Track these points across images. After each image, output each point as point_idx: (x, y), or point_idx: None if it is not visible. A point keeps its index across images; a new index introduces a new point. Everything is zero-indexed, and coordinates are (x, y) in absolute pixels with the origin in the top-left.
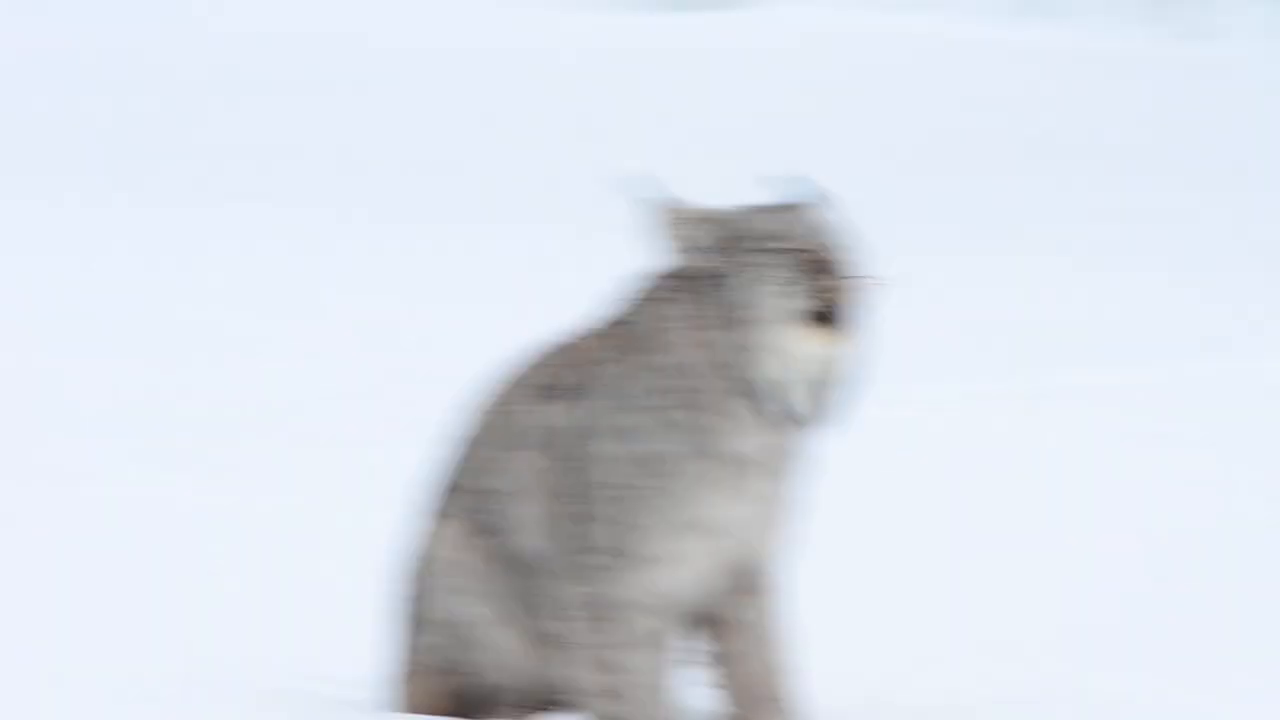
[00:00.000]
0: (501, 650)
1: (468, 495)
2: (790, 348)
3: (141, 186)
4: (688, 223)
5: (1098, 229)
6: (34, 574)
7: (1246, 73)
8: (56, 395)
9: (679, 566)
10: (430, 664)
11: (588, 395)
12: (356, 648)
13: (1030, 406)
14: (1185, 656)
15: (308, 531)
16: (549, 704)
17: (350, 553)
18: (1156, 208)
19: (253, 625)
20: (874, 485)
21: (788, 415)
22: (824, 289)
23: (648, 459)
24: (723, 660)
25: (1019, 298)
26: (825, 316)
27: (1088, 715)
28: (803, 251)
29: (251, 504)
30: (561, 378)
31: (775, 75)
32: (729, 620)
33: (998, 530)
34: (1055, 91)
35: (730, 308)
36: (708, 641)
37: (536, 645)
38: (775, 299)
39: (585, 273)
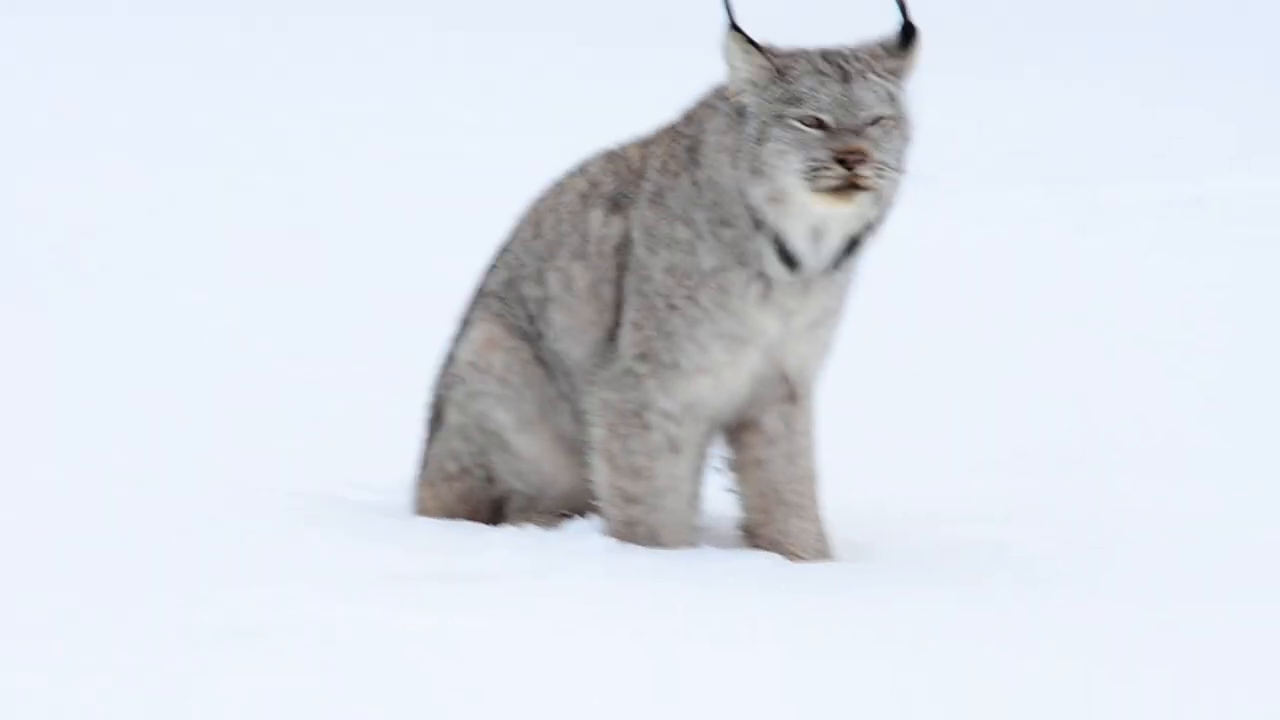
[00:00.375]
0: (518, 455)
1: (501, 301)
2: (797, 203)
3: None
4: (738, 52)
5: (1159, 48)
6: (78, 370)
7: None
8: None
9: (708, 376)
10: (447, 469)
11: (629, 205)
12: (394, 454)
13: (1072, 220)
14: (1195, 466)
15: (352, 340)
16: (560, 510)
17: (396, 361)
18: (1201, 30)
19: (294, 430)
20: (907, 296)
21: (790, 259)
22: (838, 159)
23: (683, 269)
24: (746, 467)
25: (1061, 115)
26: (839, 185)
27: (1095, 521)
28: (821, 125)
29: (297, 312)
30: (604, 186)
31: None
32: (755, 428)
33: (1024, 342)
34: None
35: (753, 150)
36: (733, 449)
37: (557, 451)
38: (788, 157)
39: (651, 80)
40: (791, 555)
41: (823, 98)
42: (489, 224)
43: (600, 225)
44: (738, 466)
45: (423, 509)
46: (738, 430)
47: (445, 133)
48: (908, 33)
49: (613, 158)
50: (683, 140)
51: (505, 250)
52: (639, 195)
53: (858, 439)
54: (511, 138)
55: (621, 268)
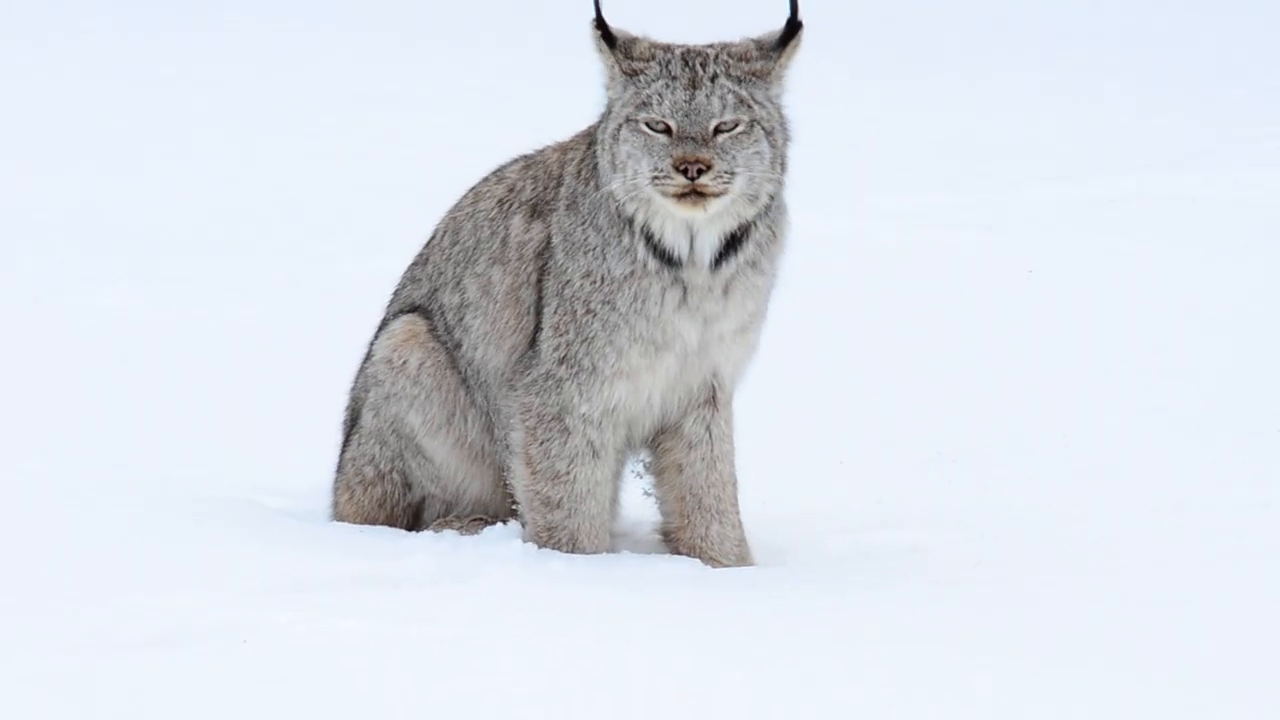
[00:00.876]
0: (430, 459)
1: (421, 304)
2: (654, 203)
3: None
4: (597, 50)
5: (1070, 49)
6: None
7: None
8: (21, 211)
9: (627, 380)
10: (364, 473)
11: (549, 210)
12: (310, 459)
13: (994, 220)
14: (1115, 468)
15: (271, 344)
16: (479, 515)
17: (311, 366)
18: (1129, 28)
19: (208, 436)
20: (823, 299)
21: (666, 256)
22: (678, 167)
23: (598, 274)
24: (666, 472)
25: (985, 115)
26: (683, 192)
27: (1013, 525)
28: (666, 129)
29: (216, 316)
30: (523, 192)
31: None
32: (675, 433)
33: (943, 345)
34: None
35: (612, 147)
36: (652, 453)
37: (464, 457)
38: (638, 161)
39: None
40: (711, 560)
41: (668, 104)
42: (412, 229)
43: (521, 230)
44: (657, 471)
45: (340, 514)
46: (657, 435)
47: (359, 135)
48: (790, 29)
49: (531, 164)
50: (594, 145)
51: (425, 262)
52: (558, 200)
53: (777, 444)
54: (441, 142)
55: (543, 272)
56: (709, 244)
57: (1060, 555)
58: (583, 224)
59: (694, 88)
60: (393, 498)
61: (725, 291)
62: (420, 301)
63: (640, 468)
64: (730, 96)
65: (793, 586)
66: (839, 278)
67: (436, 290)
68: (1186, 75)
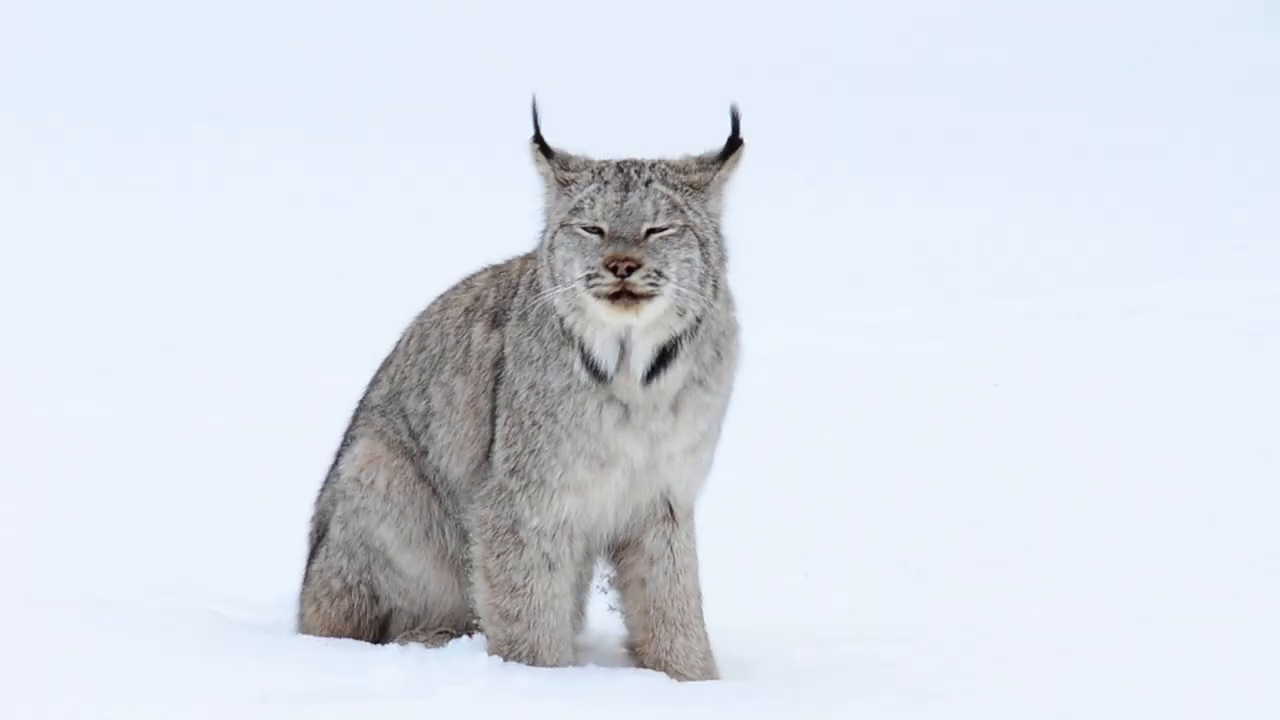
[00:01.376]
0: (402, 573)
1: (384, 416)
2: (587, 311)
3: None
4: (534, 162)
5: (1041, 157)
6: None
7: (1196, 4)
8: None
9: (575, 494)
10: (331, 586)
11: (505, 319)
12: (275, 571)
13: (961, 332)
14: (1086, 582)
15: (236, 452)
16: (445, 629)
17: (277, 475)
18: (1102, 137)
19: (172, 546)
20: (794, 408)
21: (596, 370)
22: (608, 265)
23: (541, 386)
24: (630, 586)
25: (951, 227)
26: (616, 294)
27: (982, 639)
28: (598, 231)
29: (181, 424)
30: (487, 300)
31: None
32: (636, 548)
33: (911, 456)
34: (1001, 18)
35: (549, 258)
36: (615, 567)
37: (442, 569)
38: (572, 264)
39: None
40: (676, 674)
41: (600, 206)
42: (376, 338)
43: (481, 340)
44: (621, 585)
45: (306, 626)
46: (619, 549)
47: (327, 245)
48: (731, 145)
49: (498, 273)
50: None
51: (389, 364)
52: (512, 310)
53: (743, 556)
54: (407, 252)
55: (498, 382)
56: (642, 357)
57: (1027, 669)
58: (529, 335)
59: (626, 190)
60: (360, 610)
61: (674, 410)
62: (383, 407)
63: (605, 582)
64: (664, 201)
65: (759, 701)
66: (805, 390)
67: (399, 394)
68: (1154, 186)
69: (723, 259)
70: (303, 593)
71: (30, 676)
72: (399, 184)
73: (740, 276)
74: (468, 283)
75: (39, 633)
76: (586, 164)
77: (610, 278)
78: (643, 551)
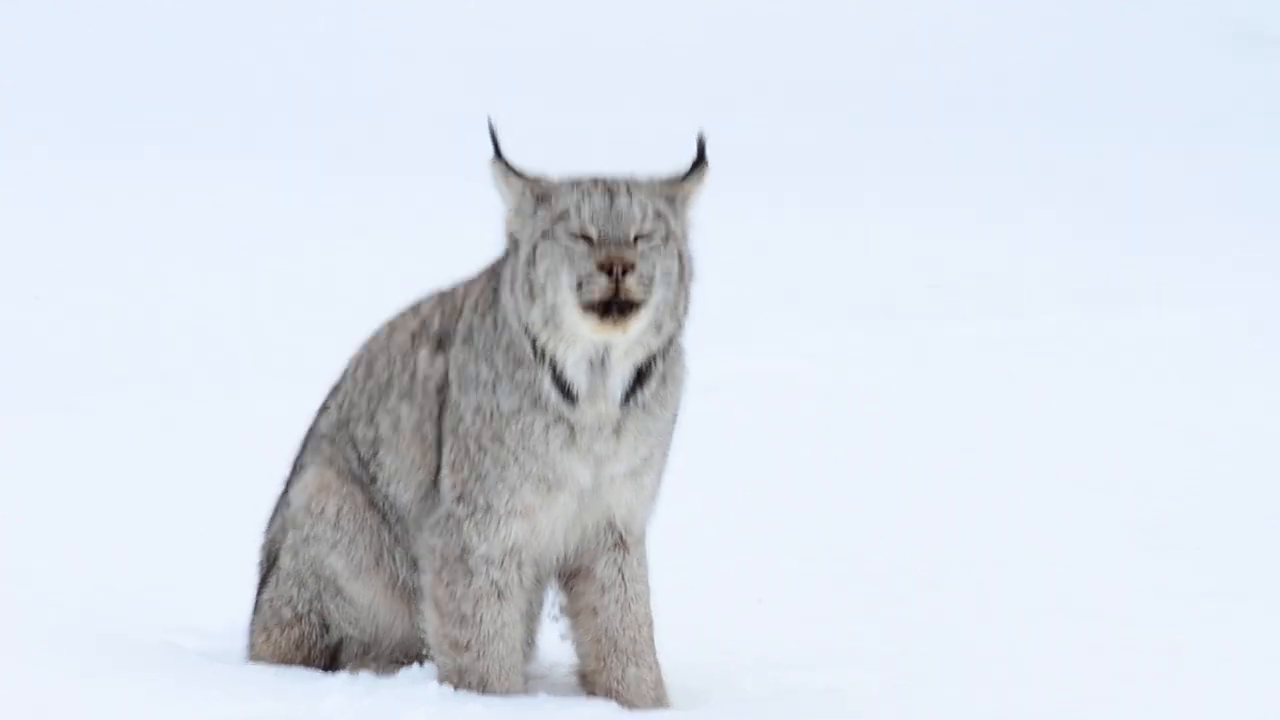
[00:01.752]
0: (353, 602)
1: (333, 444)
2: (568, 325)
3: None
4: (502, 180)
5: (996, 180)
6: None
7: (1153, 23)
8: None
9: (523, 520)
10: (281, 615)
11: (450, 343)
12: (226, 599)
13: (916, 357)
14: (1031, 606)
15: (185, 480)
16: (396, 657)
17: (227, 502)
18: (1056, 160)
19: (121, 574)
20: (743, 435)
21: (567, 390)
22: (603, 268)
23: (487, 410)
24: (581, 614)
25: (903, 252)
26: (604, 306)
27: (929, 665)
28: (586, 238)
29: (130, 451)
30: (432, 325)
31: (680, 9)
32: (587, 576)
33: (860, 482)
34: (955, 45)
35: (526, 273)
36: (566, 595)
37: (393, 598)
38: (558, 273)
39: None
40: (628, 704)
41: (586, 212)
42: (321, 363)
43: (426, 364)
44: (572, 613)
45: (257, 655)
46: (570, 577)
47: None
48: (697, 164)
49: (444, 297)
50: (494, 278)
51: (338, 391)
52: (457, 334)
53: (694, 583)
54: (356, 275)
55: (443, 407)
56: (620, 378)
57: (976, 695)
58: (475, 358)
59: (612, 195)
60: (310, 639)
61: (616, 433)
62: (326, 431)
63: (556, 610)
64: (649, 207)
65: None
66: (754, 415)
67: (348, 422)
68: (1109, 211)
69: (691, 276)
70: (253, 621)
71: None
72: (347, 206)
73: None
74: (415, 308)
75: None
76: (562, 178)
77: (604, 281)
78: (594, 579)
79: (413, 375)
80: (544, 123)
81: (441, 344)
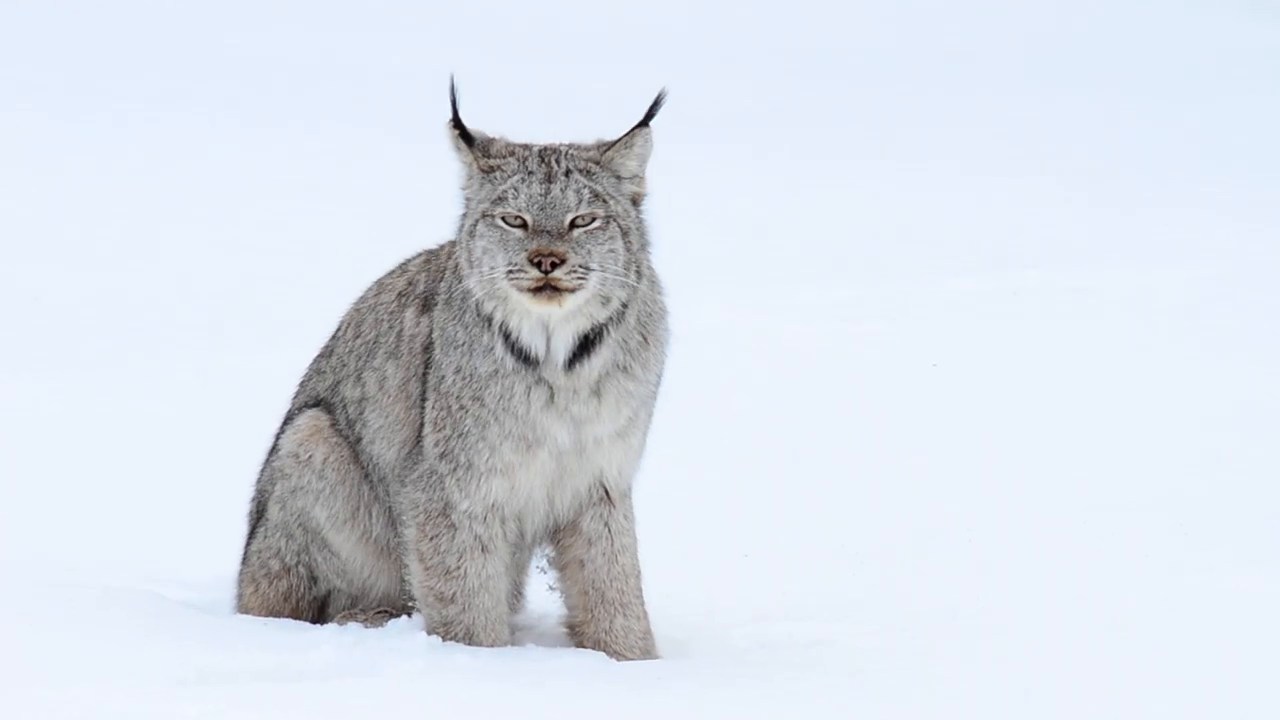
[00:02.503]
0: (336, 554)
1: (324, 399)
2: (510, 300)
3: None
4: (454, 148)
5: (975, 140)
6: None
7: None
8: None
9: (503, 477)
10: (270, 566)
11: (433, 304)
12: (214, 552)
13: (897, 312)
14: (1018, 561)
15: (175, 434)
16: (384, 609)
17: (216, 454)
18: (1045, 117)
19: (111, 526)
20: (729, 389)
21: (524, 355)
22: (532, 260)
23: (466, 371)
24: (568, 567)
25: (889, 207)
26: (538, 287)
27: (916, 618)
28: (522, 224)
29: (120, 406)
30: (419, 285)
31: None
32: (574, 530)
33: (848, 436)
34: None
35: (468, 244)
36: (554, 548)
37: (368, 551)
38: (493, 255)
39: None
40: (615, 654)
41: (522, 198)
42: (316, 320)
43: (413, 324)
44: (560, 566)
45: (245, 607)
46: (557, 531)
47: (259, 224)
48: (638, 125)
49: (431, 257)
50: None
51: (330, 354)
52: (439, 294)
53: (680, 536)
54: (347, 232)
55: (428, 366)
56: (563, 343)
57: (962, 648)
58: (454, 319)
59: (549, 181)
60: (298, 591)
61: (597, 395)
62: (323, 394)
63: (544, 562)
64: (585, 191)
65: (697, 680)
66: (743, 370)
67: (339, 383)
68: (1091, 167)
69: (645, 244)
70: (241, 573)
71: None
72: (330, 168)
73: (675, 256)
74: (402, 267)
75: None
76: (510, 150)
77: (534, 272)
78: (580, 533)
79: (399, 334)
80: (543, 84)
81: (427, 304)
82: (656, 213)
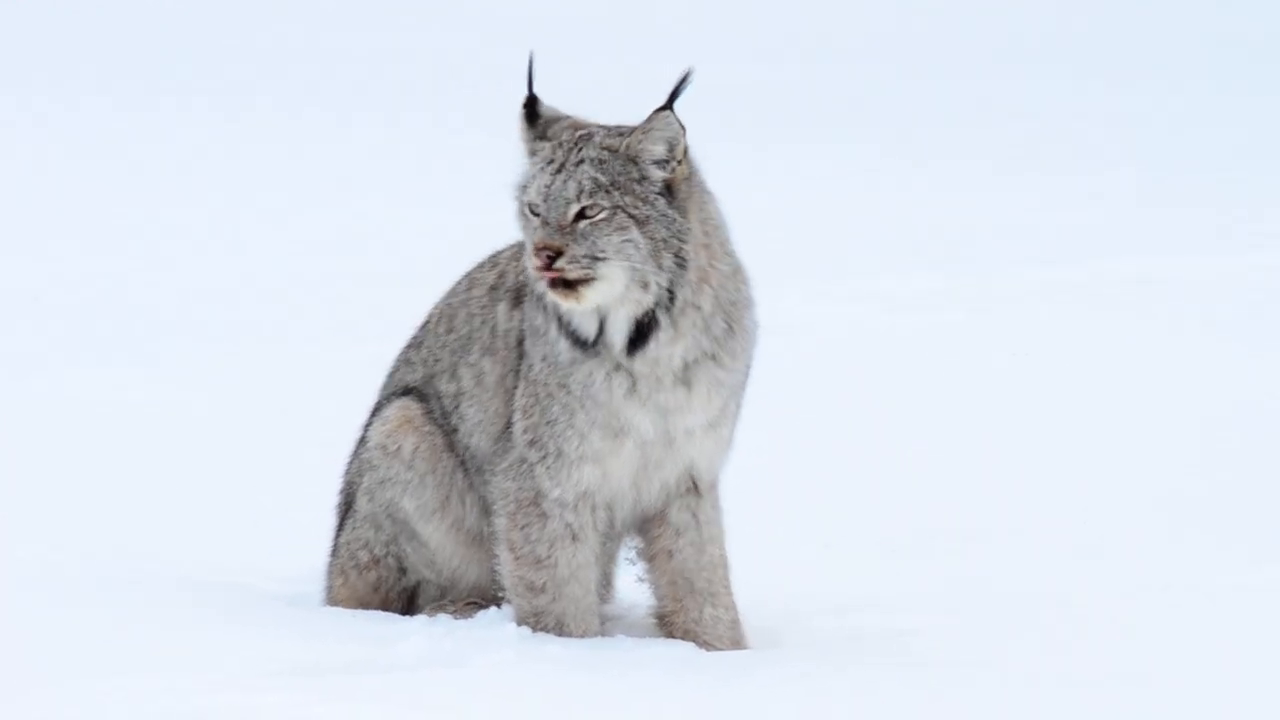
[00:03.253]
0: (426, 544)
1: (416, 387)
2: (543, 292)
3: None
4: (519, 131)
5: (1060, 131)
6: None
7: None
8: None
9: (594, 465)
10: (359, 558)
11: (524, 296)
12: (304, 543)
13: (978, 302)
14: (1096, 549)
15: (264, 426)
16: (473, 599)
17: (306, 447)
18: (1112, 110)
19: (202, 521)
20: (811, 380)
21: (580, 341)
22: (538, 256)
23: (551, 358)
24: (657, 557)
25: (970, 196)
26: (550, 280)
27: (996, 607)
28: (535, 212)
29: (212, 399)
30: (509, 278)
31: None
32: (661, 520)
33: (929, 426)
34: None
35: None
36: (642, 538)
37: (459, 541)
38: (526, 244)
39: None
40: (705, 644)
41: (534, 189)
42: (401, 313)
43: (505, 319)
44: (648, 557)
45: (335, 599)
46: (645, 521)
47: (362, 218)
48: (660, 109)
49: (519, 250)
50: None
51: (419, 346)
52: (527, 286)
53: (762, 528)
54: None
55: (522, 359)
56: (618, 330)
57: (1045, 637)
58: (535, 307)
59: (558, 172)
60: (387, 582)
61: (686, 384)
62: (415, 384)
63: (633, 553)
64: (588, 182)
65: (787, 669)
66: (824, 360)
67: (433, 377)
68: (1180, 159)
69: (677, 231)
70: (330, 565)
71: (61, 647)
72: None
73: (755, 247)
74: (493, 260)
75: (69, 604)
76: (559, 133)
77: (539, 261)
78: (668, 524)
79: (493, 330)
80: (615, 67)
81: (518, 298)
82: (732, 200)
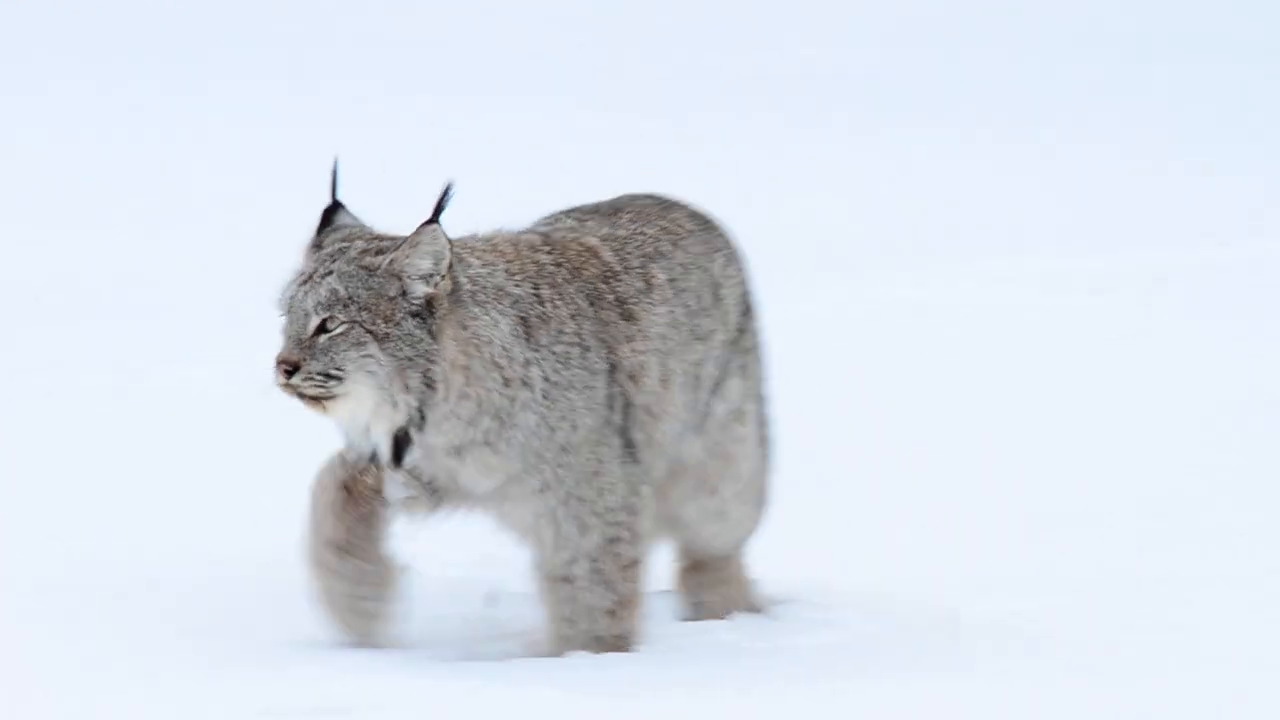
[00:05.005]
0: None
1: None
2: None
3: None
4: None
5: (1143, 111)
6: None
7: None
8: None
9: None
10: None
11: None
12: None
13: (1100, 284)
14: (1206, 535)
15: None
16: None
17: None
18: (1206, 90)
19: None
20: (926, 361)
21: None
22: (281, 367)
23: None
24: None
25: (1054, 180)
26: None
27: (1104, 591)
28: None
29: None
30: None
31: None
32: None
33: (1042, 407)
34: None
35: None
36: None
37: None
38: None
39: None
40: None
41: (284, 296)
42: None
43: None
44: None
45: None
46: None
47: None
48: (422, 226)
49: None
50: None
51: None
52: None
53: (872, 508)
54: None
55: None
56: (381, 443)
57: (1146, 624)
58: None
59: (305, 283)
60: None
61: (459, 457)
62: None
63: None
64: (326, 295)
65: (889, 657)
66: (944, 341)
67: None
68: (1255, 144)
69: (424, 352)
70: None
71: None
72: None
73: (872, 229)
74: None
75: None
76: (324, 242)
77: (279, 377)
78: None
79: None
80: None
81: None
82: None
